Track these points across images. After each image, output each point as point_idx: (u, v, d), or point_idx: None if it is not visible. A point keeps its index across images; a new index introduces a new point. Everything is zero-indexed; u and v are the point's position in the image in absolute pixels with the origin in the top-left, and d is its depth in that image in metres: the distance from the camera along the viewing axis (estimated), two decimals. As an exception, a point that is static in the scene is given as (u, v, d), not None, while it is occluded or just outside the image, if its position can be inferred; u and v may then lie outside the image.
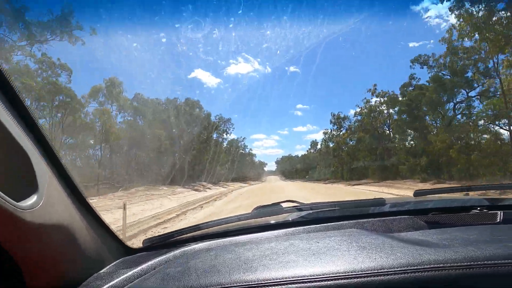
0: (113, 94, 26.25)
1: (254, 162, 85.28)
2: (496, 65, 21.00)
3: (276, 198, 1.49)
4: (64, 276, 0.75)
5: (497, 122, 20.19)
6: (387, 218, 1.07)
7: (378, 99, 33.20)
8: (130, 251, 1.08)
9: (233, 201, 15.87)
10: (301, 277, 0.63)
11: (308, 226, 1.06)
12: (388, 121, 33.16)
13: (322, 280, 0.61)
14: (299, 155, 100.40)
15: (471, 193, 1.41)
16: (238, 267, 0.71)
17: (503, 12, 16.69)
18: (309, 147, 48.21)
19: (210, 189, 27.75)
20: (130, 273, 0.82)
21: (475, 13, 17.77)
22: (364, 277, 0.61)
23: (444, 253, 0.64)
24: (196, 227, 1.16)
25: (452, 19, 20.87)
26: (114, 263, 0.96)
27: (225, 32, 34.86)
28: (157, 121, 28.57)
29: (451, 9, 19.01)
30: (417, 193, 1.36)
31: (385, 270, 0.61)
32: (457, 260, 0.61)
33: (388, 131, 33.51)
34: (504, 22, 16.72)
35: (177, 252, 0.95)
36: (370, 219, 1.07)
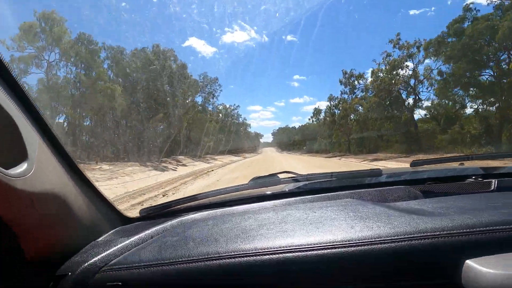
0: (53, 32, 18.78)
1: (249, 133, 79.38)
2: None
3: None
4: (61, 244, 0.76)
5: None
6: (384, 188, 1.06)
7: (401, 52, 26.08)
8: (127, 220, 1.07)
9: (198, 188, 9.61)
10: (299, 245, 0.63)
11: (305, 197, 1.05)
12: (415, 81, 26.25)
13: (319, 249, 0.62)
14: (296, 127, 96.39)
15: (468, 162, 1.44)
16: (235, 236, 0.71)
17: None
18: (311, 115, 41.03)
19: (185, 166, 21.00)
20: (127, 241, 0.81)
21: None
22: (361, 245, 0.61)
23: (440, 221, 0.64)
24: (193, 197, 1.17)
25: None
26: (111, 231, 0.96)
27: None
28: (118, 75, 21.43)
29: None
30: (414, 163, 1.33)
31: (382, 239, 0.61)
32: (453, 228, 0.62)
33: (416, 94, 26.65)
34: None
35: (174, 221, 0.92)
36: (366, 189, 1.06)
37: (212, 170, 17.96)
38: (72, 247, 0.79)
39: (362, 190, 1.06)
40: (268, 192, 1.14)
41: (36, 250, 0.68)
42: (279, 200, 1.05)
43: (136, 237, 0.83)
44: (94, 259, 0.74)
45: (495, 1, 18.29)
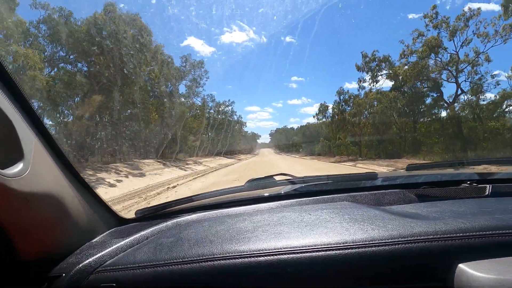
0: None
1: (246, 133, 73.02)
2: None
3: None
4: (56, 244, 0.75)
5: None
6: (379, 191, 1.05)
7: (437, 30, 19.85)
8: (122, 221, 1.06)
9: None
10: (294, 247, 0.63)
11: (300, 199, 1.05)
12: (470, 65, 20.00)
13: (314, 251, 0.62)
14: (295, 128, 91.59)
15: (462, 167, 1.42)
16: (231, 237, 0.71)
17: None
18: (316, 112, 34.56)
19: (138, 177, 14.10)
20: (122, 242, 0.80)
21: None
22: (356, 248, 0.61)
23: (434, 225, 0.65)
24: (189, 199, 1.15)
25: None
26: (107, 232, 0.95)
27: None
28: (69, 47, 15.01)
29: None
30: (409, 167, 1.37)
31: (377, 242, 0.61)
32: (447, 232, 0.62)
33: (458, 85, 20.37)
34: None
35: (169, 222, 0.93)
36: (362, 193, 1.06)
37: (171, 188, 11.54)
38: (67, 248, 0.78)
39: (358, 193, 1.05)
40: (264, 194, 1.12)
41: (30, 251, 0.68)
42: (275, 202, 1.04)
43: (131, 238, 0.82)
44: (88, 260, 0.73)
45: None
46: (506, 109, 18.51)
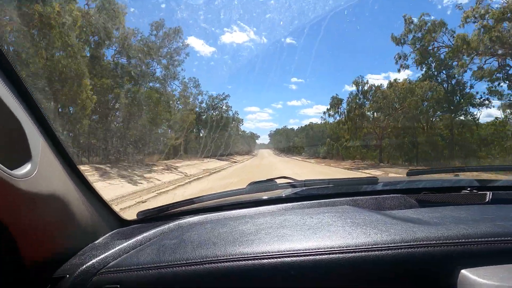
0: None
1: (243, 132, 67.03)
2: None
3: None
4: (59, 245, 0.75)
5: None
6: (380, 196, 1.06)
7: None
8: (124, 222, 1.07)
9: None
10: (296, 250, 0.64)
11: (302, 202, 1.05)
12: None
13: (317, 254, 0.62)
14: (295, 129, 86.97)
15: (463, 174, 1.44)
16: (233, 240, 0.71)
17: None
18: (327, 108, 28.36)
19: None
20: (125, 244, 0.81)
21: None
22: (358, 251, 0.61)
23: (436, 231, 0.65)
24: (190, 201, 1.15)
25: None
26: (109, 234, 0.95)
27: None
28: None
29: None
30: (410, 173, 1.34)
31: (379, 246, 0.62)
32: (449, 237, 0.62)
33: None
34: None
35: (171, 224, 0.93)
36: (363, 197, 1.06)
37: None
38: (70, 249, 0.78)
39: (359, 197, 1.05)
40: (265, 197, 1.13)
41: (34, 252, 0.68)
42: (276, 205, 1.05)
43: (134, 239, 0.82)
44: (92, 261, 0.73)
45: None
46: None
